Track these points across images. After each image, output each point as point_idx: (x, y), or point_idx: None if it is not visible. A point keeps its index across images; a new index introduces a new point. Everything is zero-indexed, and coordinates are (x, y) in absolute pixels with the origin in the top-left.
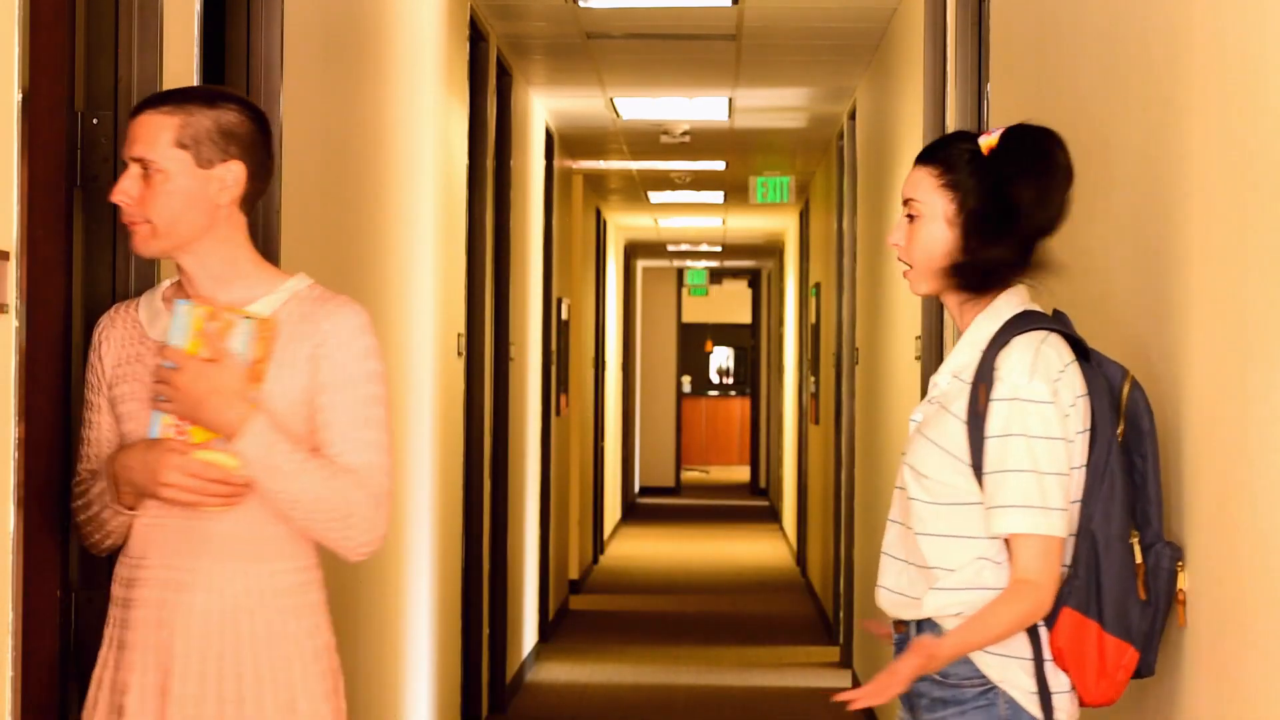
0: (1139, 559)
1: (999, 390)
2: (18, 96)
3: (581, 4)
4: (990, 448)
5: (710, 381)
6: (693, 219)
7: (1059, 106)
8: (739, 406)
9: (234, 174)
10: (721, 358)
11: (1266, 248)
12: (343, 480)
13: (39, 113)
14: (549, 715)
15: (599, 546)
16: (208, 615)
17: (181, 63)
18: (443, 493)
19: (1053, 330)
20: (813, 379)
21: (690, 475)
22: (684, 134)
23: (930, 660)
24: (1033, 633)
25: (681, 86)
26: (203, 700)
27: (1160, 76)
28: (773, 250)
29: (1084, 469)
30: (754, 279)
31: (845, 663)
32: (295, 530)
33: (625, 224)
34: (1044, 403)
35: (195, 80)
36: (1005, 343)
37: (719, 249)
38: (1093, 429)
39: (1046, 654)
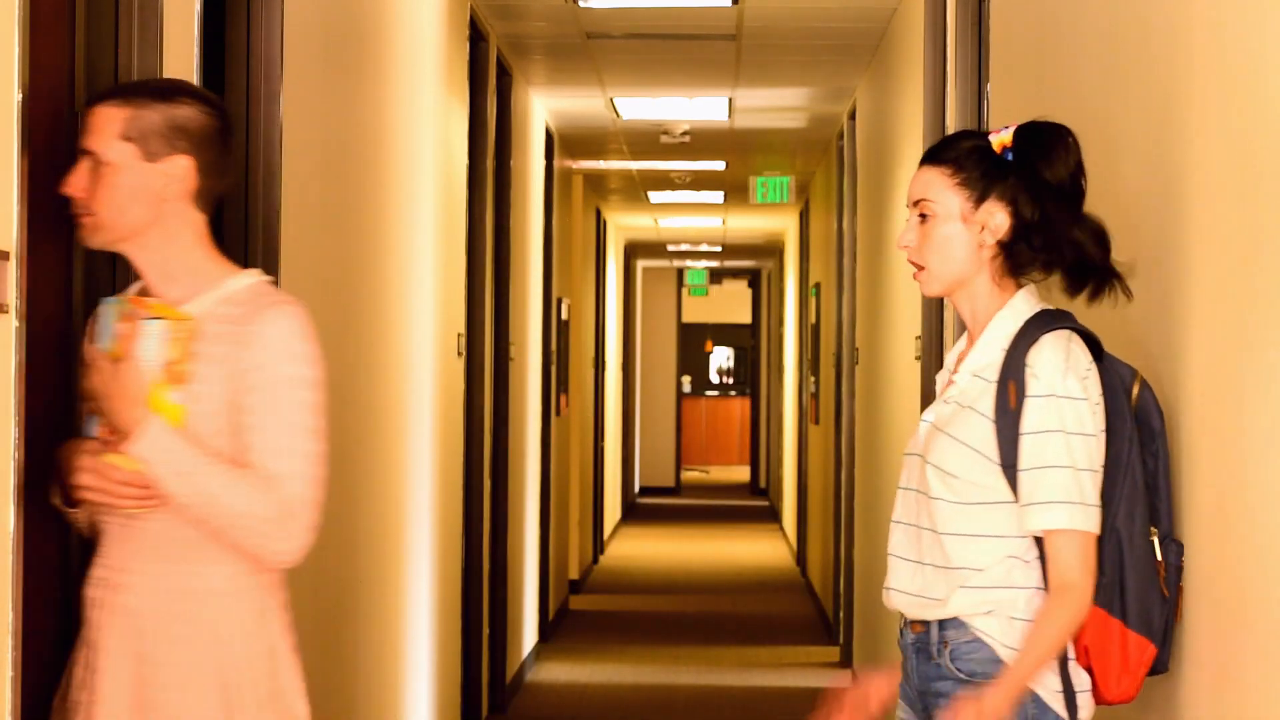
0: (1159, 556)
1: (1034, 387)
2: (18, 96)
3: (581, 4)
4: (1026, 444)
5: (710, 381)
6: (693, 219)
7: (1059, 106)
8: (739, 406)
9: (181, 168)
10: (721, 358)
11: (1267, 247)
12: (248, 486)
13: (39, 113)
14: (549, 715)
15: (599, 546)
16: (138, 615)
17: (181, 63)
18: (443, 493)
19: (1075, 329)
20: (813, 379)
21: (690, 475)
22: (684, 134)
23: (1005, 705)
24: None
25: (681, 86)
26: (118, 702)
27: (1160, 75)
28: (773, 250)
29: (1102, 469)
30: (754, 279)
31: (845, 663)
32: None
33: (625, 224)
34: (1079, 399)
35: (195, 80)
36: (1033, 340)
37: (719, 249)
38: (1109, 428)
39: (1070, 653)
